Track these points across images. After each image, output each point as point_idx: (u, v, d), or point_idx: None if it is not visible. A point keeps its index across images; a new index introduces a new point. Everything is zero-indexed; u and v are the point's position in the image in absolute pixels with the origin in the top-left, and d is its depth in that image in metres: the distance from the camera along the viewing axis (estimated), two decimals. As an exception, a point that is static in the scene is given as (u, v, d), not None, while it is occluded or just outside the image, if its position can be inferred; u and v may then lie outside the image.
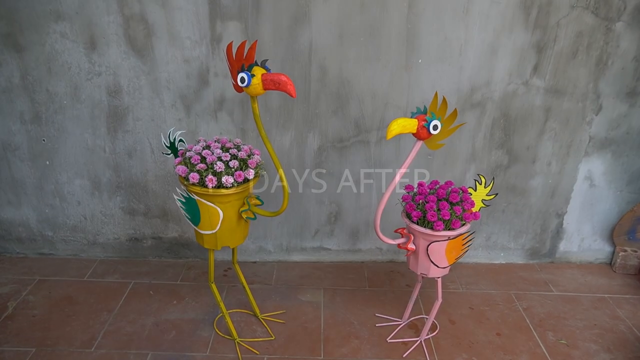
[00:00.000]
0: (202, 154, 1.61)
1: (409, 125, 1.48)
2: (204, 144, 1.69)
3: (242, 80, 1.41)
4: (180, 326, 1.92)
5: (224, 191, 1.57)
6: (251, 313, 2.00)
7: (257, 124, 1.55)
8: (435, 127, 1.49)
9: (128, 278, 2.21)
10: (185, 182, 1.59)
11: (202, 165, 1.57)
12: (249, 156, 1.66)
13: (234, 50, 1.43)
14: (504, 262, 2.40)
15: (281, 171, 1.59)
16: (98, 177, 2.19)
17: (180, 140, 1.77)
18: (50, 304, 2.02)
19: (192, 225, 1.69)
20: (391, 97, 2.05)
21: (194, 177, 1.56)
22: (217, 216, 1.62)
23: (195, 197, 1.60)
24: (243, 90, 1.46)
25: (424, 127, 1.49)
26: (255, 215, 1.67)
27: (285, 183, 1.60)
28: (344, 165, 2.17)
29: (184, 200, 1.63)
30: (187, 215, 1.67)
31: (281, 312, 2.01)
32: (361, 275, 2.28)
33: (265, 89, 1.42)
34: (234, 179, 1.57)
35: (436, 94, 1.51)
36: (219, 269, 2.28)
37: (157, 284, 2.18)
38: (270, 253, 2.35)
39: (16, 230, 2.30)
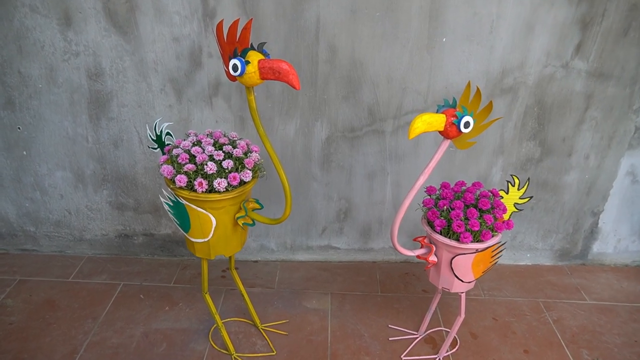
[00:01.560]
0: (191, 151, 1.38)
1: (436, 121, 1.24)
2: (194, 138, 1.45)
3: (235, 67, 1.16)
4: (171, 337, 1.73)
5: (216, 196, 1.34)
6: (251, 323, 1.80)
7: (254, 119, 1.31)
8: (466, 125, 1.24)
9: (117, 279, 2.02)
10: (172, 186, 1.37)
11: (191, 166, 1.34)
12: (245, 154, 1.42)
13: (225, 31, 1.18)
14: (530, 264, 2.18)
15: (282, 173, 1.36)
16: (81, 169, 1.97)
17: (168, 134, 1.54)
18: (29, 310, 1.84)
19: (182, 232, 1.48)
20: (410, 81, 1.79)
21: (181, 179, 1.33)
22: (210, 223, 1.40)
23: (184, 202, 1.37)
24: (236, 80, 1.21)
25: (453, 124, 1.24)
26: (253, 222, 1.45)
27: (287, 187, 1.36)
28: (355, 158, 1.93)
29: (171, 204, 1.42)
30: (175, 220, 1.46)
31: (284, 321, 1.81)
32: (373, 277, 2.07)
33: (262, 78, 1.18)
34: (228, 182, 1.34)
35: (469, 84, 1.26)
36: (216, 270, 2.08)
37: (149, 286, 1.98)
38: (273, 252, 2.14)
39: (-5, 225, 2.10)
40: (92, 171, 1.97)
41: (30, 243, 2.14)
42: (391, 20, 1.69)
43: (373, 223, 2.08)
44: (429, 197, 1.51)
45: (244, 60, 1.15)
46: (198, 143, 1.43)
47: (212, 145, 1.41)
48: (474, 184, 1.51)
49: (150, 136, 1.53)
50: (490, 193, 1.48)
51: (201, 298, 1.92)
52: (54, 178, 1.99)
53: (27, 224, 2.10)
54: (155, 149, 1.55)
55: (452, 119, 1.24)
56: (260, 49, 1.19)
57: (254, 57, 1.16)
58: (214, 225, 1.41)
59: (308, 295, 1.95)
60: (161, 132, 1.54)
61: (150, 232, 2.10)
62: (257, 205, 1.48)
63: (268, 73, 1.15)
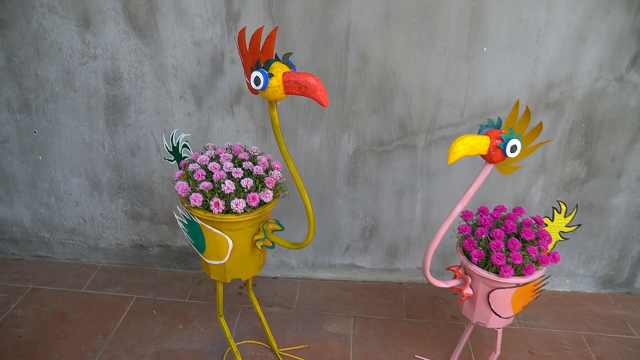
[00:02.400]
0: (208, 167, 1.28)
1: (479, 144, 1.10)
2: (212, 152, 1.35)
3: (257, 81, 1.05)
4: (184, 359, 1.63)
5: (233, 217, 1.24)
6: (267, 347, 1.69)
7: (277, 136, 1.20)
8: (513, 149, 1.11)
9: (130, 292, 1.93)
10: (187, 204, 1.27)
11: (207, 184, 1.24)
12: (266, 172, 1.31)
13: (248, 39, 1.07)
14: (569, 290, 2.02)
15: (306, 196, 1.24)
16: (97, 176, 1.89)
17: (185, 146, 1.44)
18: (40, 322, 1.77)
19: (197, 252, 1.38)
20: (446, 93, 1.65)
21: (196, 198, 1.23)
22: (226, 245, 1.30)
23: (199, 222, 1.27)
24: (258, 93, 1.10)
25: (497, 147, 1.11)
26: (273, 244, 1.35)
27: (310, 210, 1.25)
28: (383, 173, 1.81)
29: (185, 222, 1.32)
30: (190, 239, 1.36)
31: (303, 346, 1.70)
32: (398, 300, 1.94)
33: (286, 93, 1.06)
34: (247, 203, 1.24)
35: (517, 102, 1.12)
36: (233, 286, 1.98)
37: (162, 301, 1.89)
38: (293, 269, 2.03)
39: (9, 229, 2.05)
40: (108, 179, 1.89)
41: (45, 250, 2.08)
42: (428, 27, 1.56)
43: (400, 242, 1.95)
44: (465, 222, 1.38)
45: (267, 72, 1.04)
46: (216, 158, 1.33)
47: (231, 161, 1.31)
48: (515, 210, 1.37)
49: (166, 147, 1.44)
50: (533, 221, 1.34)
51: (216, 316, 1.82)
52: (69, 184, 1.92)
53: (41, 230, 2.03)
54: (172, 161, 1.46)
55: (497, 141, 1.11)
56: (286, 60, 1.08)
57: (279, 69, 1.05)
58: (230, 248, 1.30)
59: (329, 318, 1.84)
60: (178, 143, 1.44)
61: (166, 244, 2.01)
62: (278, 227, 1.37)
63: (293, 88, 1.04)
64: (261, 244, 1.33)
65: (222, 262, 1.34)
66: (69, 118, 1.78)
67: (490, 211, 1.39)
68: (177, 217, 1.32)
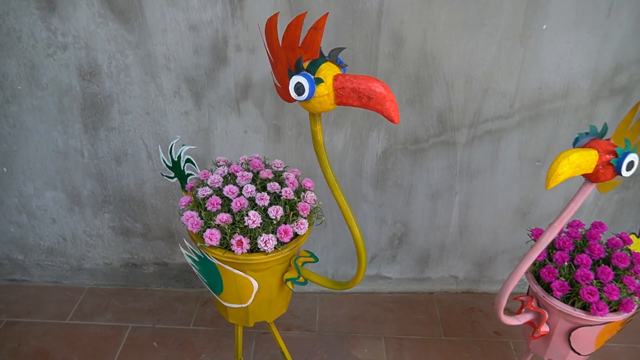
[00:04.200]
0: (224, 192, 1.00)
1: (586, 162, 0.85)
2: (226, 170, 1.07)
3: (299, 89, 0.76)
4: (195, 405, 1.39)
5: (261, 258, 0.97)
6: (292, 383, 1.46)
7: (321, 159, 0.92)
8: (630, 166, 0.85)
9: (124, 319, 1.66)
10: (200, 244, 0.99)
11: (226, 218, 0.96)
12: (297, 194, 1.04)
13: (280, 32, 0.78)
14: None
15: (357, 230, 0.98)
16: (76, 188, 1.59)
17: (188, 161, 1.16)
18: (19, 366, 1.50)
19: (211, 292, 1.12)
20: (494, 79, 1.39)
21: (213, 236, 0.96)
22: (250, 288, 1.04)
23: (215, 262, 1.00)
24: (294, 101, 0.82)
25: (609, 164, 0.86)
26: (306, 281, 1.09)
27: (362, 246, 0.99)
28: (417, 174, 1.55)
29: (196, 259, 1.05)
30: (202, 278, 1.09)
31: (332, 380, 1.47)
32: (432, 314, 1.71)
33: (339, 103, 0.78)
34: (278, 239, 0.97)
35: (636, 106, 0.87)
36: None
37: (163, 329, 1.63)
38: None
39: (-25, 252, 1.74)
40: (90, 191, 1.59)
41: (19, 273, 1.78)
42: (477, 2, 1.28)
43: (433, 249, 1.71)
44: (534, 241, 1.14)
45: (312, 77, 0.76)
46: (232, 178, 1.05)
47: (252, 182, 1.03)
48: (595, 226, 1.14)
49: (164, 161, 1.15)
50: (619, 239, 1.11)
51: (228, 346, 1.57)
52: (43, 199, 1.61)
53: (13, 251, 1.73)
54: (172, 178, 1.17)
55: (609, 157, 0.85)
56: (334, 58, 0.79)
57: (327, 71, 0.77)
58: (255, 290, 1.04)
59: (357, 341, 1.60)
60: (179, 157, 1.15)
61: (163, 261, 1.73)
62: (311, 259, 1.11)
63: (350, 97, 0.75)
64: (292, 284, 1.07)
65: (244, 305, 1.08)
66: (37, 122, 1.46)
67: (565, 228, 1.15)
68: (184, 251, 1.04)
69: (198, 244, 0.99)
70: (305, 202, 1.02)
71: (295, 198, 1.01)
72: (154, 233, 1.67)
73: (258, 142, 1.48)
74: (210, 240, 0.95)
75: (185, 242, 1.04)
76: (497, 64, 1.36)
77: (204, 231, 0.97)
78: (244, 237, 0.95)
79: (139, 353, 1.55)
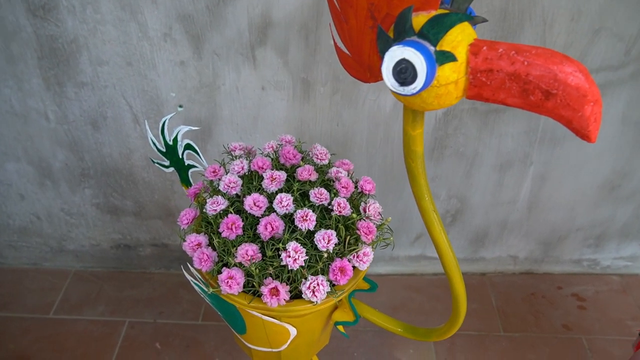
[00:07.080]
0: (246, 207, 0.65)
1: None
2: (246, 166, 0.72)
3: (407, 73, 0.39)
4: None
5: (307, 308, 0.65)
6: (326, 398, 1.21)
7: (415, 181, 0.57)
8: None
9: (119, 313, 1.38)
10: (214, 290, 0.66)
11: (252, 252, 0.63)
12: (353, 203, 0.70)
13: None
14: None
15: (459, 278, 0.65)
16: (45, 159, 1.24)
17: (188, 146, 0.80)
18: (-6, 376, 1.24)
19: (230, 328, 0.81)
20: (611, 17, 1.00)
21: (232, 283, 0.63)
22: (286, 335, 0.73)
23: (239, 307, 0.69)
24: (378, 81, 0.45)
25: None
26: (357, 318, 0.78)
27: (463, 298, 0.67)
28: (485, 141, 1.20)
29: (207, 291, 0.72)
30: (219, 313, 0.78)
31: (374, 394, 1.22)
32: (487, 302, 1.44)
33: (474, 96, 0.42)
34: (331, 282, 0.64)
35: None
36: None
37: (166, 325, 1.36)
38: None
39: None
40: (63, 163, 1.24)
41: (-11, 254, 1.48)
42: None
43: (492, 227, 1.40)
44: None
45: (432, 51, 0.38)
46: (256, 178, 0.70)
47: (286, 186, 0.68)
48: None
49: (154, 145, 0.80)
50: None
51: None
52: (3, 172, 1.27)
53: (-22, 231, 1.42)
54: (167, 167, 0.83)
55: None
56: (464, 7, 0.41)
57: (461, 37, 0.39)
58: (292, 337, 0.74)
59: (399, 339, 1.34)
60: (176, 138, 0.80)
61: (162, 242, 1.42)
62: (366, 284, 0.79)
63: (501, 88, 0.38)
64: (343, 328, 0.76)
65: (275, 350, 0.78)
66: (-20, 75, 1.08)
67: None
68: (189, 278, 0.72)
69: (210, 290, 0.66)
70: (369, 219, 0.68)
71: (355, 216, 0.67)
72: (148, 211, 1.34)
73: (280, 102, 1.11)
74: (230, 287, 0.63)
75: (190, 267, 0.71)
76: (619, -7, 0.97)
77: (219, 271, 0.64)
78: (280, 283, 0.63)
79: (139, 357, 1.28)
